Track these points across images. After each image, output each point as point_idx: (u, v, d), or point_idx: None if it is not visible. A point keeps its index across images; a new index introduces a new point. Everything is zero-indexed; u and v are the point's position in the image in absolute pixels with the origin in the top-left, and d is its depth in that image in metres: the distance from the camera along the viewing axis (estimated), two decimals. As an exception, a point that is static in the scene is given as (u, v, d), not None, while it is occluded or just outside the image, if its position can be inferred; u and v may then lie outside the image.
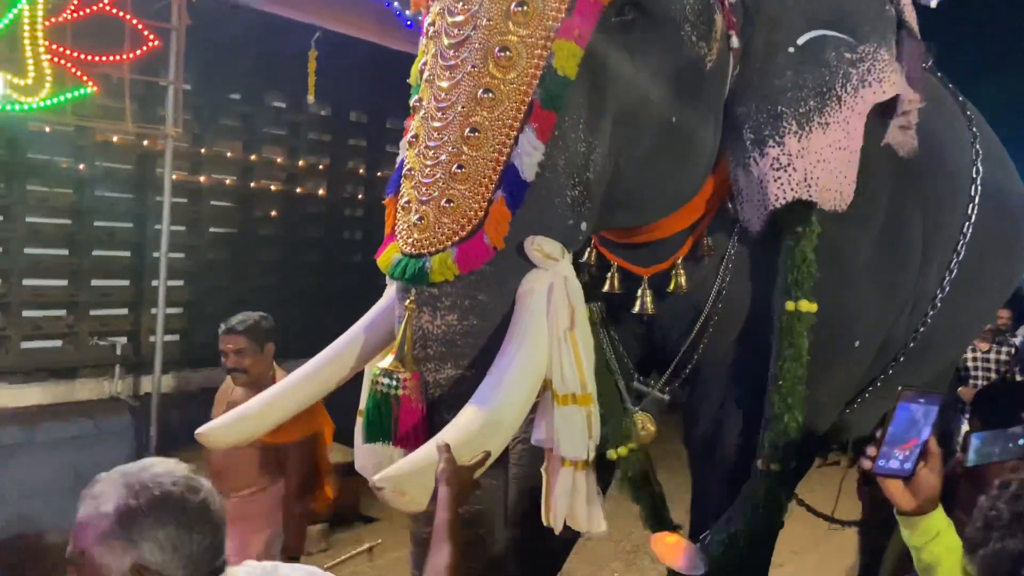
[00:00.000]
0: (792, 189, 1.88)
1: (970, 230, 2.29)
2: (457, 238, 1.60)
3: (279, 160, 6.04)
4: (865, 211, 2.02)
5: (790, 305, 1.91)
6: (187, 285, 5.36)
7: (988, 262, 2.43)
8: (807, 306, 1.91)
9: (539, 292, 1.62)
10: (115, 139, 4.94)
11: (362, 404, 1.74)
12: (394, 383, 1.61)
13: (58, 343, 4.88)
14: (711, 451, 2.15)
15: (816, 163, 1.89)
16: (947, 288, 2.27)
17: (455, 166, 1.62)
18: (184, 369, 5.19)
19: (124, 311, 5.14)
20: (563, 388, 1.62)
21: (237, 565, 1.29)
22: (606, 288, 2.10)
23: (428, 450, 1.48)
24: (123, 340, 5.08)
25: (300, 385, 1.88)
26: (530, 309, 1.61)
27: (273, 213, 6.06)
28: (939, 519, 1.32)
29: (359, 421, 1.75)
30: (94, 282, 4.97)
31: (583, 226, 1.70)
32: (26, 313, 4.70)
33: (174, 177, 4.80)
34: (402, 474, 1.45)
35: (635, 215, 1.93)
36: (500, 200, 1.60)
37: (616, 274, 2.10)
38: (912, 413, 1.32)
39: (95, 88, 4.25)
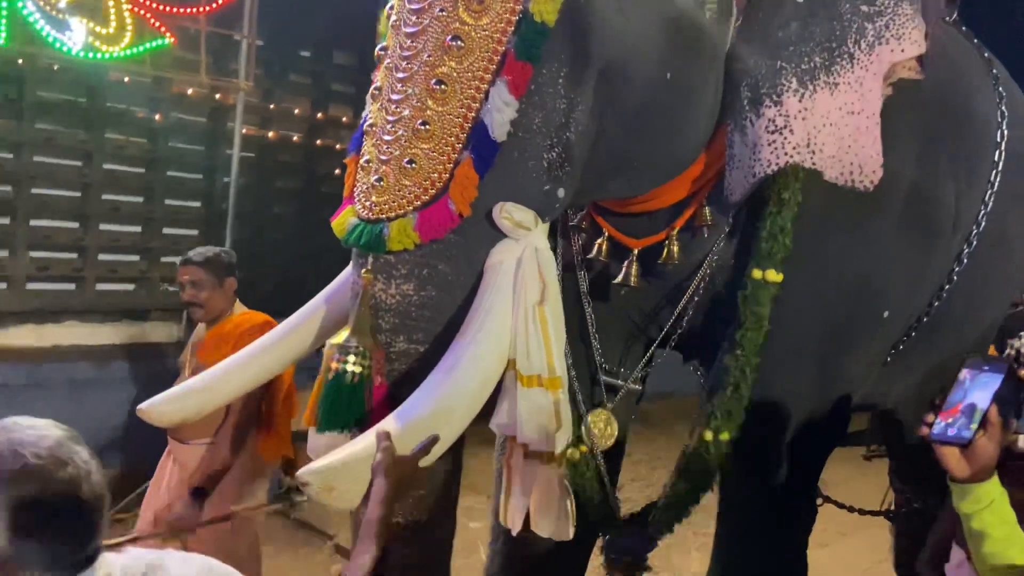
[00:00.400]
0: (787, 154, 1.68)
1: (992, 200, 2.07)
2: (419, 203, 1.47)
3: (345, 119, 6.12)
4: (889, 174, 1.82)
5: (757, 273, 1.77)
6: (253, 238, 5.50)
7: (1011, 235, 2.21)
8: (773, 276, 1.77)
9: (508, 265, 1.49)
10: (190, 91, 5.08)
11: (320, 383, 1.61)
12: (365, 362, 1.47)
13: (131, 287, 5.10)
14: None
15: (822, 127, 1.69)
16: (965, 261, 2.07)
17: (419, 122, 1.48)
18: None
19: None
20: (528, 368, 1.48)
21: (118, 552, 1.12)
22: (592, 254, 1.95)
23: (366, 440, 1.34)
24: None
25: (253, 360, 1.76)
26: (497, 284, 1.48)
27: (337, 171, 6.15)
28: (993, 488, 1.31)
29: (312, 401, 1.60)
30: (166, 230, 5.15)
31: (560, 192, 1.56)
32: (102, 256, 4.91)
33: (244, 131, 4.94)
34: (332, 468, 1.32)
35: (627, 182, 1.76)
36: (467, 162, 1.46)
37: (606, 243, 1.92)
38: (974, 381, 1.30)
39: (173, 40, 4.39)
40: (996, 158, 2.08)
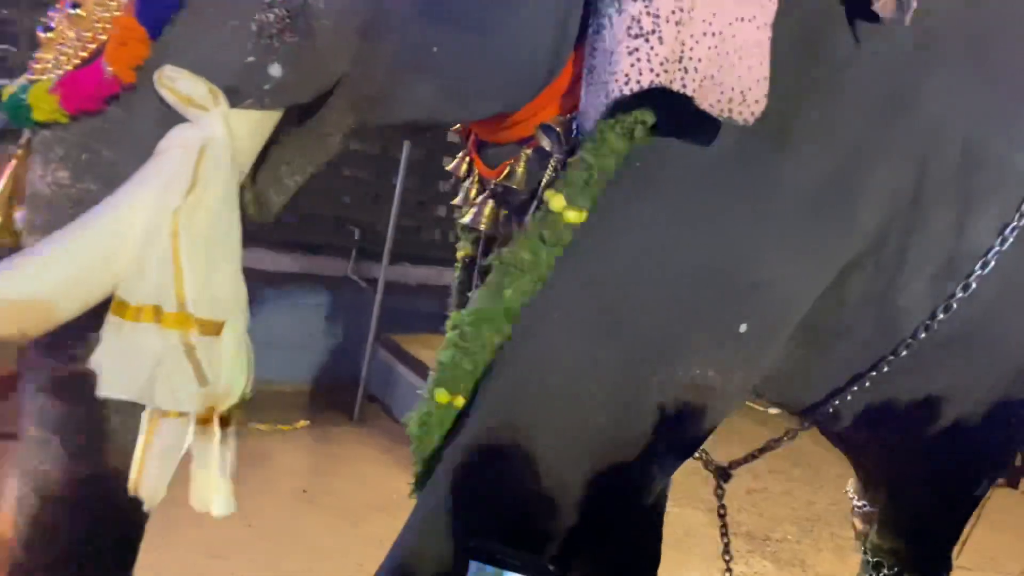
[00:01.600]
0: (652, 71, 1.18)
1: None
2: (78, 60, 1.13)
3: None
4: (807, 140, 1.35)
5: (558, 203, 1.30)
6: (421, 185, 5.77)
7: None
8: (575, 216, 1.30)
9: (172, 155, 1.11)
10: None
11: None
12: None
13: (310, 223, 5.50)
14: None
15: (700, 36, 1.20)
16: (973, 285, 1.53)
17: None
18: (408, 263, 5.67)
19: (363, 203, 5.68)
20: (135, 295, 1.09)
21: None
22: (461, 202, 1.59)
23: None
24: (358, 229, 5.61)
25: None
26: (141, 177, 1.11)
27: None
28: None
29: None
30: (345, 171, 5.51)
31: (274, 71, 1.15)
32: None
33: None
34: None
35: (447, 95, 1.30)
36: (129, 10, 1.09)
37: (476, 181, 1.55)
38: None
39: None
40: None
